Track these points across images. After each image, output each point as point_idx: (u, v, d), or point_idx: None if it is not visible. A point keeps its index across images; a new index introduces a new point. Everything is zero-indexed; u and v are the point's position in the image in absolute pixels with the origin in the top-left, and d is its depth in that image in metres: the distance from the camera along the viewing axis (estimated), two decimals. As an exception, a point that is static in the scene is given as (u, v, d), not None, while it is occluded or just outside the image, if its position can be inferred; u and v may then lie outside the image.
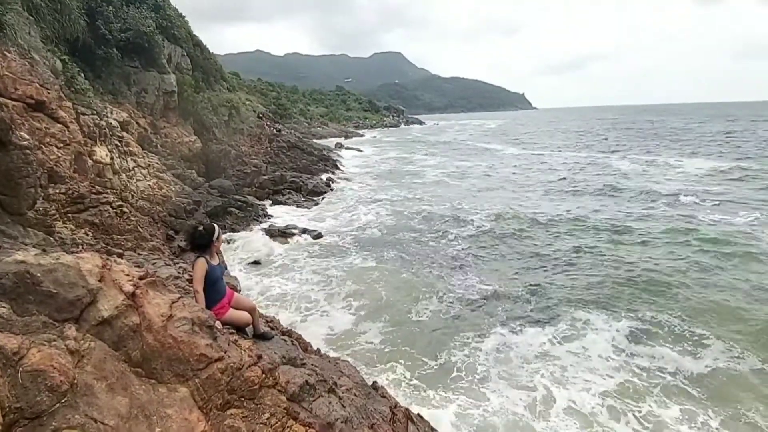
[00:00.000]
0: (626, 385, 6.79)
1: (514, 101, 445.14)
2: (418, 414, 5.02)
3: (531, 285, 10.48)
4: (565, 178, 25.13)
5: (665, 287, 10.00)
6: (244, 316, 4.23)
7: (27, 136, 5.03)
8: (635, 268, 11.18)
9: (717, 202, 17.55)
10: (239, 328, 4.18)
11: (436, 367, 7.40)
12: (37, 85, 7.94)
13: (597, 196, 19.83)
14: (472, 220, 16.67)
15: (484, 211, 18.12)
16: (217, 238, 4.16)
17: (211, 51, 27.39)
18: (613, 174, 25.67)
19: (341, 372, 4.70)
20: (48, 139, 7.48)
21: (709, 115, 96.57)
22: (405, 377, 7.10)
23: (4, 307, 2.36)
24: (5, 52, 7.83)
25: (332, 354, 6.25)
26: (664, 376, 6.96)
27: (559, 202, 19.32)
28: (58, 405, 2.05)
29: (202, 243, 4.08)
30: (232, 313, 4.15)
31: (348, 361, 5.33)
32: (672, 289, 9.86)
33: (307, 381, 3.80)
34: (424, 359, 7.56)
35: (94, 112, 11.34)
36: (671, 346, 7.71)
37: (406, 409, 4.72)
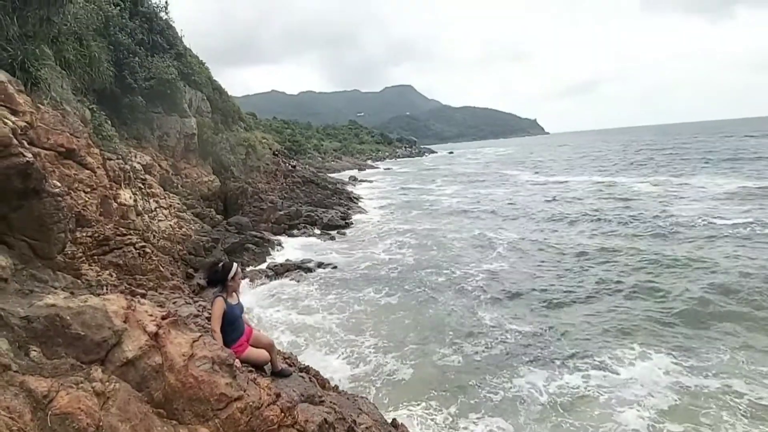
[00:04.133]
0: (684, 412, 6.41)
1: (526, 127, 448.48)
2: (441, 453, 4.86)
3: (560, 321, 9.96)
4: (585, 206, 24.53)
5: (708, 319, 9.42)
6: (263, 354, 4.25)
7: (58, 184, 5.30)
8: (674, 299, 10.55)
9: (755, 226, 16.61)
10: (258, 366, 4.19)
11: (470, 406, 6.96)
12: (68, 135, 8.42)
13: (623, 224, 18.99)
14: (494, 252, 16.25)
15: (505, 242, 17.69)
16: (233, 277, 4.23)
17: (229, 94, 28.63)
18: (642, 200, 24.57)
19: (360, 409, 4.63)
20: (76, 185, 7.86)
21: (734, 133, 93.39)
22: (431, 417, 6.75)
23: (35, 350, 2.45)
24: (39, 105, 8.37)
25: (350, 390, 6.13)
26: (721, 404, 6.57)
27: (584, 231, 18.66)
28: (84, 448, 2.09)
29: (215, 279, 4.18)
30: (251, 352, 4.18)
31: (366, 398, 5.24)
32: (716, 321, 9.32)
33: (325, 419, 3.76)
34: (452, 400, 7.12)
35: (120, 156, 11.87)
36: (722, 377, 7.26)
37: (428, 448, 4.58)
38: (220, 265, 4.29)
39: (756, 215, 17.95)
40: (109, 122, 13.13)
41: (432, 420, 6.62)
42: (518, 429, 6.38)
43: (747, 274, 11.54)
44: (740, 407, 6.46)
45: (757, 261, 12.50)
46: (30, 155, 4.76)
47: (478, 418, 6.64)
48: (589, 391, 7.17)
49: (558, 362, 8.14)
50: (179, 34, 22.66)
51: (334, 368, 8.17)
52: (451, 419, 6.66)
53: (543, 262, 14.56)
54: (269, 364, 4.30)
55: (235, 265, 4.30)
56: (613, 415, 6.49)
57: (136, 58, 17.08)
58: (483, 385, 7.51)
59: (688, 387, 7.04)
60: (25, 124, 7.28)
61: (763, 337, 8.39)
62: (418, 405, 7.02)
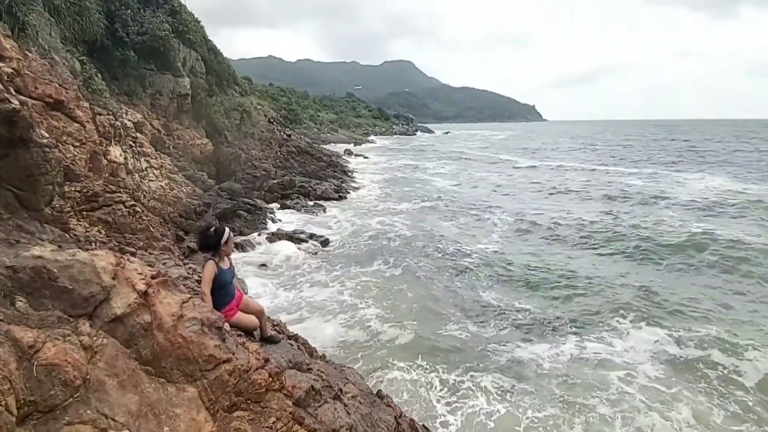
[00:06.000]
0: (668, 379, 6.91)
1: (524, 113, 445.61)
2: (423, 425, 4.98)
3: (554, 298, 10.33)
4: (579, 191, 24.82)
5: (695, 299, 9.97)
6: (252, 320, 4.24)
7: (46, 134, 5.12)
8: (667, 277, 11.16)
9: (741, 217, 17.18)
10: (247, 331, 4.19)
11: (476, 368, 7.37)
12: (56, 85, 8.10)
13: (618, 211, 19.30)
14: (489, 231, 16.40)
15: (500, 222, 17.92)
16: (226, 242, 4.16)
17: (225, 56, 27.72)
18: (631, 187, 25.15)
19: (347, 379, 4.68)
20: (65, 138, 7.62)
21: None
22: (438, 376, 7.14)
23: (21, 301, 2.39)
24: (26, 52, 8.01)
25: (341, 359, 6.22)
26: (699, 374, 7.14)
27: (580, 215, 18.85)
28: (71, 400, 2.07)
29: (208, 244, 4.11)
30: (241, 317, 4.16)
31: (353, 368, 5.31)
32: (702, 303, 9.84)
33: (312, 386, 3.79)
34: (452, 370, 7.41)
35: (110, 112, 11.52)
36: (712, 354, 7.77)
37: (411, 420, 4.69)
38: (212, 229, 4.21)
39: (742, 210, 18.39)
40: (99, 76, 12.69)
41: (438, 377, 7.10)
42: (523, 383, 6.93)
43: (736, 257, 12.29)
44: (714, 379, 7.05)
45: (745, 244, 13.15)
46: (17, 102, 4.57)
47: (484, 375, 7.17)
48: (583, 360, 7.72)
49: (558, 335, 8.60)
50: (175, -11, 21.70)
51: (324, 336, 8.31)
52: (459, 376, 7.17)
53: (539, 243, 14.84)
54: (258, 330, 4.30)
55: (227, 229, 4.22)
56: (607, 377, 7.13)
57: (129, 11, 16.37)
58: (487, 352, 7.98)
59: (673, 357, 7.64)
60: (11, 70, 6.98)
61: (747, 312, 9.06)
62: (425, 364, 7.48)
